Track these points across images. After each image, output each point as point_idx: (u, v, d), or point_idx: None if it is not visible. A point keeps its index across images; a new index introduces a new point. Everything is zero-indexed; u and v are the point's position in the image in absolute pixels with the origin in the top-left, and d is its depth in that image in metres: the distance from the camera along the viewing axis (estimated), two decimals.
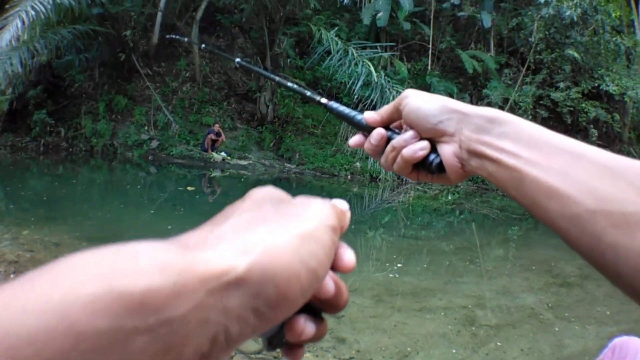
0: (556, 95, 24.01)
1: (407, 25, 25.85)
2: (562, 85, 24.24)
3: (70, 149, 21.63)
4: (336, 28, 23.46)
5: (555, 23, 23.92)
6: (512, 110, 23.74)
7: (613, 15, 24.42)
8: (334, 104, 1.24)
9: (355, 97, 20.84)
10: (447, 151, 0.96)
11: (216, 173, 20.41)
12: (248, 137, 23.23)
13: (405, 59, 27.39)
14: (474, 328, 6.50)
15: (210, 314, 0.42)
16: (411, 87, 22.59)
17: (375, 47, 22.88)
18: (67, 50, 20.83)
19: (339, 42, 21.01)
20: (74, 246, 8.00)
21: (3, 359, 0.34)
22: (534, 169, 0.80)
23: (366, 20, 25.46)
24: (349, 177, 21.96)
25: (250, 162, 21.74)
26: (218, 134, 21.44)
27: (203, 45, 2.57)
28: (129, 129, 22.01)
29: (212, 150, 21.39)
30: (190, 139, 22.28)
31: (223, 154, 21.51)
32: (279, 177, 20.97)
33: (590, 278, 8.80)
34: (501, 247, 12.78)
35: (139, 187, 16.93)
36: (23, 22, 16.29)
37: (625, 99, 23.82)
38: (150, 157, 21.32)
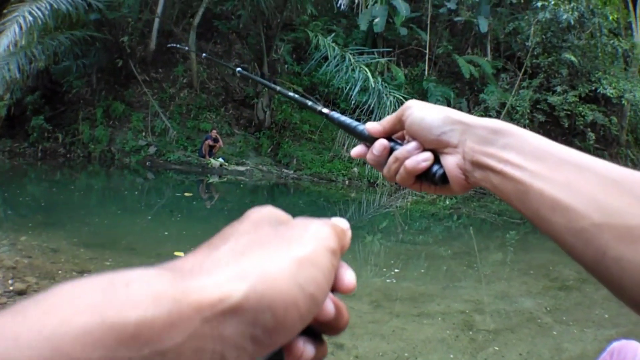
0: (553, 99, 24.05)
1: (404, 31, 25.86)
2: (559, 89, 24.27)
3: (68, 155, 21.61)
4: (333, 34, 23.56)
5: (552, 27, 23.95)
6: (509, 115, 23.82)
7: (610, 18, 24.49)
8: (335, 114, 1.22)
9: (353, 102, 20.87)
10: (451, 162, 0.95)
11: (214, 179, 20.40)
12: (245, 143, 23.21)
13: (402, 65, 27.41)
14: (472, 333, 6.50)
15: (205, 343, 0.41)
16: (408, 92, 22.71)
17: (372, 53, 22.96)
18: (65, 56, 20.82)
19: (336, 47, 21.04)
20: (71, 252, 8.01)
21: None
22: (538, 182, 0.79)
23: (363, 26, 25.47)
24: (347, 182, 21.95)
25: (248, 167, 21.73)
26: (215, 140, 21.42)
27: (204, 55, 2.55)
28: (127, 135, 22.00)
29: (210, 156, 21.37)
30: (187, 145, 22.26)
31: (220, 159, 21.49)
32: (276, 183, 20.98)
33: (588, 281, 8.80)
34: (499, 251, 12.78)
35: (136, 193, 16.92)
36: (21, 28, 16.31)
37: (623, 101, 23.87)
38: (147, 163, 21.30)
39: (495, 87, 25.86)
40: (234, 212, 12.27)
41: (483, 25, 26.08)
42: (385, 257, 10.66)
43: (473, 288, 8.86)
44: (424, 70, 26.93)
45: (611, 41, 24.71)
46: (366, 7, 26.47)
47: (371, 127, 1.08)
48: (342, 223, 0.58)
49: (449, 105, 23.66)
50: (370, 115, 20.10)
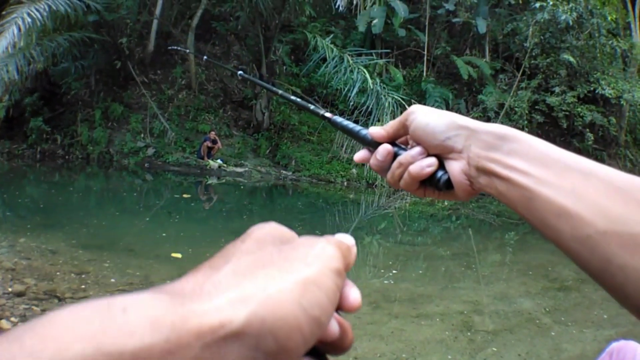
0: (552, 100, 24.06)
1: (402, 32, 25.88)
2: (557, 89, 24.29)
3: (67, 157, 21.62)
4: (331, 35, 23.57)
5: (550, 27, 23.98)
6: (507, 116, 23.85)
7: (609, 18, 24.49)
8: (338, 119, 1.22)
9: (351, 103, 20.87)
10: (455, 168, 0.94)
11: (212, 180, 20.40)
12: (244, 144, 23.23)
13: (400, 66, 27.43)
14: (471, 334, 6.49)
15: None
16: (406, 93, 22.73)
17: (371, 54, 22.96)
18: (63, 57, 20.82)
19: (335, 49, 21.05)
20: (70, 253, 8.01)
21: None
22: (544, 188, 0.79)
23: (361, 28, 25.49)
24: (345, 183, 21.97)
25: (247, 169, 21.74)
26: (214, 141, 21.44)
27: (205, 57, 2.54)
28: (125, 137, 22.00)
29: (208, 158, 21.38)
30: (186, 146, 22.27)
31: (219, 161, 21.50)
32: (275, 184, 20.98)
33: (587, 282, 8.80)
34: (498, 252, 12.78)
35: (134, 194, 16.91)
36: (19, 29, 16.31)
37: (622, 102, 23.90)
38: (146, 165, 21.31)
39: (494, 88, 25.88)
40: (233, 214, 12.29)
41: (481, 26, 26.10)
42: (384, 258, 10.65)
43: (472, 289, 8.86)
44: (423, 71, 26.97)
45: (610, 41, 24.73)
46: (364, 8, 26.49)
47: (374, 131, 1.07)
48: (347, 239, 0.56)
49: (447, 106, 23.79)
50: (368, 117, 20.12)
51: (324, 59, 21.12)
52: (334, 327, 0.51)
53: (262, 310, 0.42)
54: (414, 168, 0.99)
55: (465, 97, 26.70)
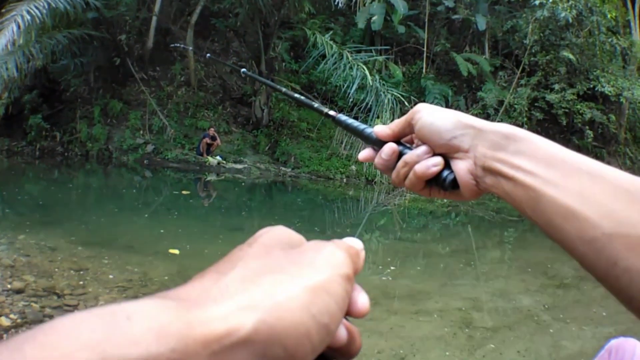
0: (551, 97, 24.06)
1: (401, 29, 25.89)
2: (557, 87, 24.29)
3: (66, 154, 21.60)
4: (331, 32, 23.55)
5: (550, 25, 23.96)
6: (507, 113, 23.87)
7: (609, 16, 24.45)
8: (342, 117, 1.20)
9: (350, 100, 20.88)
10: (461, 167, 0.94)
11: (211, 177, 20.39)
12: (243, 140, 23.22)
13: (400, 62, 27.43)
14: (470, 330, 6.50)
15: None
16: (406, 90, 22.74)
17: (370, 51, 22.94)
18: (63, 54, 20.79)
19: (334, 45, 21.02)
20: (69, 250, 8.01)
21: None
22: (551, 189, 0.78)
23: (361, 24, 25.49)
24: (345, 180, 21.96)
25: (246, 165, 21.72)
26: (213, 138, 21.43)
27: (208, 55, 2.53)
28: (124, 133, 21.97)
29: (208, 154, 21.37)
30: (185, 143, 22.25)
31: (218, 157, 21.49)
32: (274, 181, 20.98)
33: (586, 279, 8.80)
34: (497, 249, 12.79)
35: (134, 191, 16.91)
36: (19, 27, 16.28)
37: (621, 99, 23.89)
38: (145, 161, 21.29)
39: (493, 85, 25.89)
40: (232, 210, 12.27)
41: (481, 23, 26.10)
42: (383, 255, 10.64)
43: (471, 286, 8.87)
44: (422, 68, 26.95)
45: (609, 39, 24.72)
46: (364, 5, 26.48)
47: (379, 130, 1.06)
48: (356, 244, 0.56)
49: (446, 102, 23.81)
50: (368, 113, 20.12)
51: (324, 56, 21.09)
52: (342, 333, 0.50)
53: (270, 318, 0.42)
54: (419, 167, 0.98)
55: (464, 94, 26.69)
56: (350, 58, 20.65)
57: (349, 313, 0.51)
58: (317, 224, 13.54)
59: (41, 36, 18.88)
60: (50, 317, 5.46)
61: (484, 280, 9.36)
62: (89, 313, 0.38)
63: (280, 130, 23.73)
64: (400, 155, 1.03)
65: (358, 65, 20.47)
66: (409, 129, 1.02)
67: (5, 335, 4.94)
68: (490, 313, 7.43)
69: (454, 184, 0.96)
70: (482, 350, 5.93)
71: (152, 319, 0.38)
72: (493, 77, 26.73)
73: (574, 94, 23.99)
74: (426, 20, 26.82)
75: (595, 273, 0.73)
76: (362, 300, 0.52)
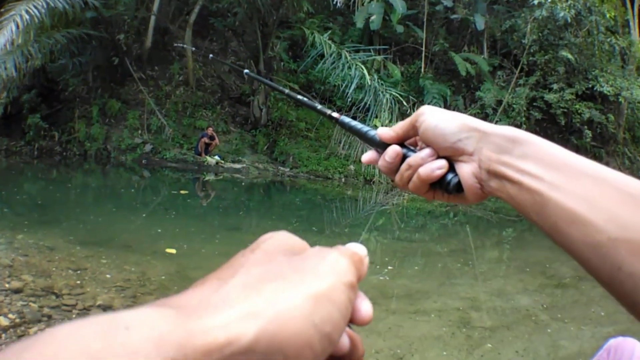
0: (550, 97, 24.09)
1: (400, 28, 25.92)
2: (555, 86, 24.33)
3: (64, 153, 21.60)
4: (329, 31, 23.57)
5: (548, 24, 24.00)
6: (505, 112, 23.90)
7: (607, 15, 24.49)
8: (346, 119, 1.19)
9: (349, 100, 20.90)
10: (466, 171, 0.93)
11: (210, 177, 20.38)
12: (242, 140, 23.22)
13: (398, 62, 27.45)
14: (468, 330, 6.50)
15: None
16: (404, 89, 22.78)
17: (369, 50, 22.98)
18: (61, 54, 20.82)
19: (332, 45, 21.05)
20: (67, 250, 8.00)
21: None
22: (556, 193, 0.78)
23: (359, 24, 25.51)
24: (343, 180, 21.99)
25: (244, 165, 21.72)
26: (212, 138, 21.43)
27: (211, 56, 2.51)
28: (123, 133, 21.97)
29: (206, 154, 21.37)
30: (183, 142, 22.25)
31: (217, 157, 21.49)
32: (272, 181, 20.99)
33: (585, 279, 8.80)
34: (495, 248, 12.80)
35: (132, 190, 16.90)
36: (17, 26, 16.29)
37: (620, 99, 23.94)
38: (143, 161, 21.28)
39: (492, 84, 25.92)
40: (230, 210, 12.26)
41: (479, 22, 26.14)
42: (382, 255, 10.64)
43: (469, 285, 8.87)
44: (421, 67, 26.98)
45: (608, 39, 24.76)
46: (362, 4, 26.50)
47: (383, 132, 1.06)
48: (359, 250, 0.55)
49: (445, 102, 23.81)
50: (366, 113, 20.15)
51: (322, 55, 21.12)
52: (344, 342, 0.50)
53: (271, 327, 0.41)
54: (423, 170, 0.98)
55: (463, 93, 26.73)
56: (348, 57, 20.68)
57: (352, 321, 0.50)
58: (315, 223, 13.54)
59: (40, 36, 18.88)
60: (49, 316, 5.47)
61: (482, 280, 9.36)
62: (87, 322, 0.37)
63: (279, 130, 23.74)
64: (404, 157, 1.03)
65: (356, 64, 20.51)
66: (413, 131, 1.02)
67: (4, 335, 4.94)
68: (489, 313, 7.42)
69: (459, 187, 0.96)
70: (481, 350, 5.93)
71: (151, 328, 0.37)
72: (491, 76, 26.76)
73: (572, 93, 24.04)
74: (425, 19, 26.86)
75: (599, 278, 0.73)
76: (365, 308, 0.51)
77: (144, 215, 12.75)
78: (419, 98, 24.66)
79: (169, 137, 22.15)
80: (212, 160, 21.24)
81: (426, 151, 0.98)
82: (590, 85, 23.99)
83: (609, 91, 23.31)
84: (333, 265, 0.49)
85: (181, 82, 24.32)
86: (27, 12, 16.49)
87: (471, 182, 0.93)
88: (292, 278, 0.46)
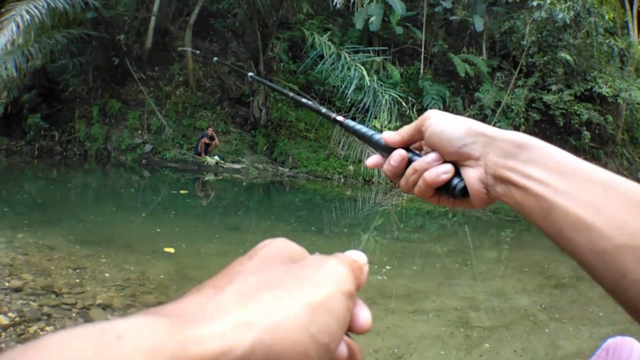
0: (548, 98, 24.08)
1: (399, 30, 25.91)
2: (554, 88, 24.30)
3: (65, 153, 21.58)
4: (329, 32, 23.55)
5: (547, 26, 23.99)
6: (504, 114, 23.90)
7: (607, 17, 24.49)
8: (351, 123, 1.19)
9: (348, 101, 20.87)
10: (472, 176, 0.93)
11: (209, 177, 20.35)
12: (241, 140, 23.20)
13: (397, 63, 27.44)
14: (467, 330, 6.50)
15: None
16: (404, 90, 22.77)
17: (368, 51, 22.96)
18: (62, 54, 20.80)
19: (332, 46, 21.03)
20: (67, 249, 8.00)
21: None
22: (563, 199, 0.77)
23: (359, 25, 25.49)
24: (342, 180, 21.97)
25: (244, 165, 21.70)
26: (211, 138, 21.41)
27: (215, 59, 2.51)
28: (123, 133, 21.94)
29: (206, 154, 21.35)
30: (183, 142, 22.22)
31: (216, 157, 21.47)
32: (272, 181, 20.96)
33: (583, 279, 8.81)
34: (494, 249, 12.78)
35: (132, 190, 16.88)
36: (18, 27, 16.28)
37: (619, 100, 23.91)
38: (143, 161, 21.26)
39: (491, 85, 25.90)
40: (229, 210, 12.25)
41: (478, 24, 26.13)
42: (381, 255, 10.63)
43: (468, 285, 8.86)
44: (420, 68, 26.96)
45: (607, 40, 24.76)
46: (362, 5, 26.49)
47: (388, 136, 1.05)
48: (359, 257, 0.54)
49: (444, 103, 23.80)
50: (365, 114, 20.13)
51: (322, 56, 21.09)
52: (342, 351, 0.50)
53: (267, 337, 0.40)
54: (429, 175, 0.97)
55: (462, 94, 26.71)
56: (348, 59, 20.66)
57: (351, 329, 0.50)
58: (314, 223, 13.53)
59: (40, 36, 18.87)
60: (49, 315, 5.47)
61: (481, 280, 9.36)
62: (78, 331, 0.36)
63: (278, 131, 23.70)
64: (409, 162, 1.02)
65: (356, 65, 20.48)
66: (419, 135, 1.01)
67: (4, 334, 4.95)
68: (487, 313, 7.43)
69: (464, 192, 0.95)
70: (479, 350, 5.94)
71: (144, 338, 0.36)
72: (490, 78, 26.74)
73: (571, 95, 24.03)
74: (424, 21, 26.86)
75: (604, 284, 0.74)
76: (364, 316, 0.51)
77: (143, 214, 12.75)
78: (418, 99, 24.66)
79: (169, 137, 22.13)
80: (211, 160, 21.22)
81: (432, 155, 0.98)
82: (589, 87, 23.99)
83: (607, 92, 23.32)
84: (332, 273, 0.49)
85: (181, 82, 24.29)
86: (27, 12, 16.48)
87: (477, 187, 0.92)
88: (290, 286, 0.46)
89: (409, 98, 22.70)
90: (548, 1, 22.91)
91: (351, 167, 22.15)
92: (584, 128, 24.33)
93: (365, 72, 20.13)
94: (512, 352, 5.95)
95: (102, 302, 5.97)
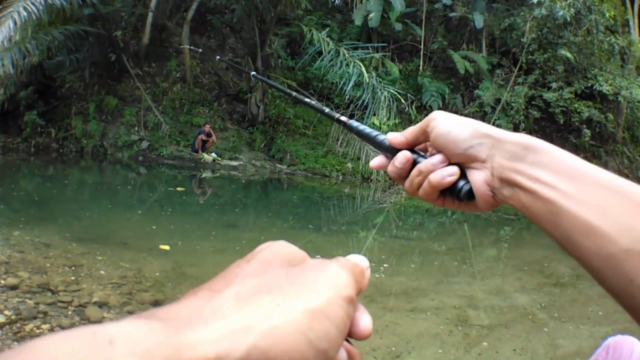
0: (548, 96, 24.09)
1: (398, 26, 25.94)
2: (554, 85, 24.33)
3: (61, 150, 21.59)
4: (327, 29, 23.58)
5: (548, 23, 24.01)
6: (504, 111, 23.91)
7: (607, 15, 24.48)
8: (354, 123, 1.17)
9: (347, 97, 20.90)
10: (478, 178, 0.91)
11: (207, 174, 20.38)
12: (239, 137, 23.22)
13: (396, 60, 27.46)
14: (465, 328, 6.48)
15: None
16: (403, 87, 22.80)
17: (367, 48, 22.99)
18: (58, 50, 20.85)
19: (330, 42, 21.06)
20: (63, 247, 7.99)
21: None
22: (570, 203, 0.76)
23: (358, 21, 25.54)
24: (341, 177, 21.99)
25: (241, 162, 21.73)
26: (209, 135, 21.42)
27: (218, 57, 2.49)
28: (119, 130, 21.96)
29: (203, 151, 21.36)
30: (180, 139, 22.24)
31: (214, 154, 21.49)
32: (270, 178, 20.99)
33: (583, 278, 8.80)
34: (493, 247, 12.79)
35: (128, 187, 16.89)
36: (15, 23, 16.27)
37: (619, 98, 23.94)
38: (140, 158, 21.29)
39: (490, 83, 25.92)
40: (227, 207, 12.23)
41: (478, 21, 26.15)
42: (379, 253, 10.63)
43: (467, 283, 8.86)
44: (419, 65, 26.99)
45: (608, 38, 24.78)
46: (361, 2, 26.57)
47: (393, 137, 1.04)
48: (361, 261, 0.53)
49: (443, 100, 23.81)
50: (364, 111, 20.15)
51: (320, 53, 21.12)
52: (341, 357, 0.48)
53: (264, 343, 0.39)
54: (434, 177, 0.95)
55: (461, 91, 26.74)
56: (346, 55, 20.68)
57: (351, 335, 0.49)
58: (312, 221, 13.53)
59: (37, 32, 18.89)
60: (45, 313, 5.45)
61: (480, 279, 9.35)
62: (69, 335, 0.35)
63: (276, 127, 23.74)
64: (414, 163, 1.00)
65: (354, 62, 20.51)
66: (424, 137, 1.00)
67: (0, 332, 4.92)
68: (486, 311, 7.41)
69: (470, 194, 0.94)
70: (478, 348, 5.92)
71: (137, 342, 0.36)
72: (490, 75, 26.77)
73: (571, 92, 24.05)
74: (423, 17, 26.90)
75: (610, 289, 0.72)
76: (364, 322, 0.49)
77: (140, 212, 12.75)
78: (417, 96, 24.73)
79: (165, 134, 22.14)
80: (209, 157, 21.24)
81: (437, 157, 0.96)
82: (589, 84, 24.01)
83: (608, 90, 23.33)
84: (332, 278, 0.47)
85: (178, 78, 24.33)
86: (25, 8, 16.48)
87: (483, 189, 0.91)
88: (288, 291, 0.44)
89: (408, 95, 22.75)
90: None
91: (349, 165, 22.17)
92: (584, 126, 24.33)
93: (364, 69, 20.15)
94: (511, 351, 5.93)
95: (98, 299, 5.95)
